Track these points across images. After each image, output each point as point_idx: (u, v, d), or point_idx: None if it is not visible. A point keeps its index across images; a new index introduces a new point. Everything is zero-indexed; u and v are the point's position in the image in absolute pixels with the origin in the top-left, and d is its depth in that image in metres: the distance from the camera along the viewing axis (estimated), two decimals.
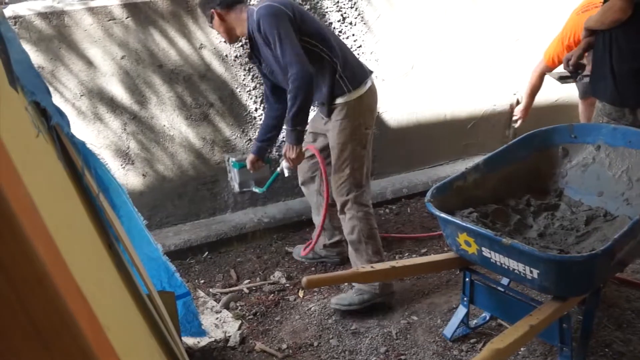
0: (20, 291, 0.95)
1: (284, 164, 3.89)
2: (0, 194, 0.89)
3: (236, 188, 4.47)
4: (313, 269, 4.31)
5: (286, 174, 3.96)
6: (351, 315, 3.72)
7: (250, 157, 4.15)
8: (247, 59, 4.45)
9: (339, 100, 3.71)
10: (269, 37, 3.50)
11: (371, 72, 3.88)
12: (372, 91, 3.83)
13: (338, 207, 3.89)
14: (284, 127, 3.73)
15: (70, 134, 2.12)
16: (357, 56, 4.01)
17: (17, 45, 1.95)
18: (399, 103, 5.41)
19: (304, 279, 2.92)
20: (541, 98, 5.93)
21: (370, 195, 3.93)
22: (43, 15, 4.01)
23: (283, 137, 4.48)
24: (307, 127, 3.97)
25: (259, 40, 3.60)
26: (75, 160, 2.08)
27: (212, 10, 3.71)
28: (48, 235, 1.02)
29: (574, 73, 4.17)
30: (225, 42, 4.42)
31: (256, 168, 4.20)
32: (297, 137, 3.63)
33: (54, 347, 0.99)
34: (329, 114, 3.74)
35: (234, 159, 4.39)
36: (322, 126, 3.88)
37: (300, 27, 3.57)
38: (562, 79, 4.47)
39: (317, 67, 3.61)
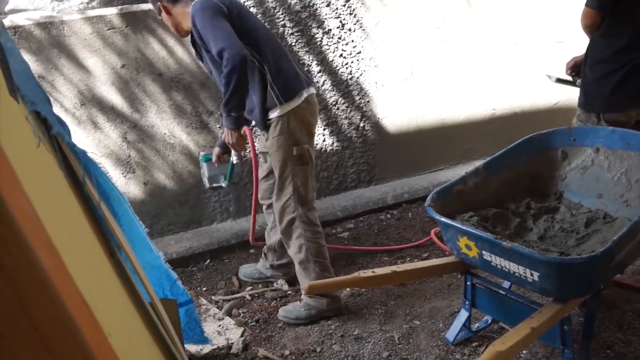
0: (23, 297, 0.96)
1: (232, 152, 3.81)
2: (2, 201, 0.90)
3: (206, 184, 4.20)
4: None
5: (234, 161, 3.85)
6: (353, 320, 3.73)
7: (215, 150, 3.98)
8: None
9: (272, 115, 3.58)
10: (200, 31, 3.39)
11: (310, 82, 3.74)
12: (308, 103, 3.67)
13: (282, 227, 3.76)
14: (220, 112, 3.61)
15: (71, 143, 2.13)
16: (303, 64, 3.86)
17: (17, 55, 1.97)
18: (399, 108, 5.43)
19: (306, 284, 2.94)
20: (540, 101, 5.96)
21: (317, 213, 3.85)
22: (42, 25, 4.03)
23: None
24: (257, 146, 3.96)
25: (196, 35, 3.48)
26: (77, 169, 2.10)
27: (159, 3, 3.62)
28: (50, 242, 1.03)
29: (574, 77, 4.23)
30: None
31: (223, 161, 3.99)
32: (233, 122, 3.50)
33: (57, 353, 0.99)
34: (265, 128, 3.64)
35: (203, 153, 4.15)
36: (265, 143, 3.78)
37: (234, 25, 3.42)
38: (560, 80, 4.49)
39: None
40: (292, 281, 4.20)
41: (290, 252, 3.83)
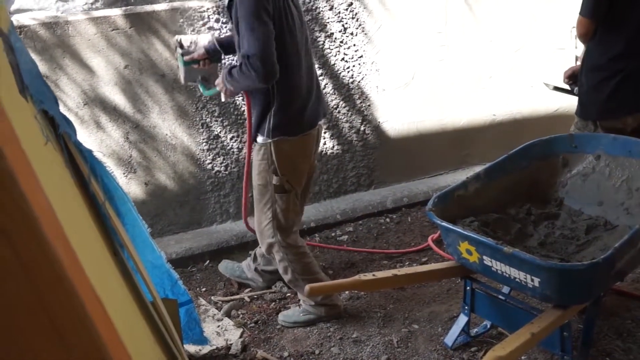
0: (41, 291, 0.97)
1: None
2: (23, 198, 0.92)
3: (181, 80, 3.92)
4: None
5: (223, 99, 3.74)
6: (352, 323, 3.74)
7: (200, 51, 3.70)
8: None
9: (259, 138, 3.49)
10: (238, 16, 3.18)
11: (314, 123, 3.58)
12: (299, 140, 3.52)
13: (264, 249, 3.74)
14: (224, 68, 3.50)
15: (78, 142, 2.14)
16: (318, 99, 3.61)
17: (25, 55, 1.98)
18: (400, 113, 5.44)
19: (307, 287, 2.95)
20: (541, 108, 5.97)
21: (297, 234, 3.78)
22: (47, 25, 4.04)
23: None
24: None
25: (233, 16, 3.28)
26: (82, 168, 2.11)
27: None
28: (66, 239, 1.05)
29: (571, 85, 4.25)
30: None
31: (204, 65, 3.74)
32: (229, 85, 3.39)
33: (72, 348, 1.01)
34: (252, 139, 3.56)
35: (181, 51, 3.78)
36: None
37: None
38: (557, 89, 4.50)
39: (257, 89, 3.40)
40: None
41: (280, 271, 3.81)
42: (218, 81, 3.50)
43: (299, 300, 3.91)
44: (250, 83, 3.27)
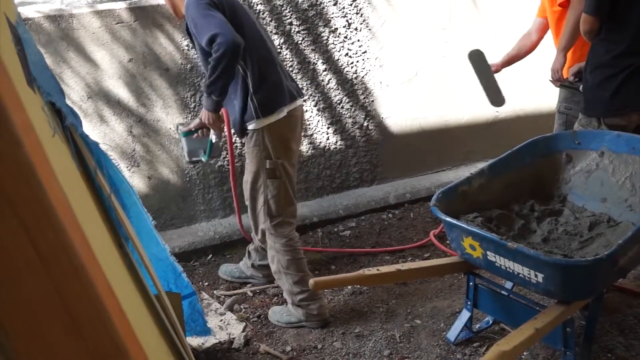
0: (58, 282, 0.97)
1: (211, 131, 3.73)
2: (42, 189, 0.92)
3: (186, 158, 4.07)
4: (317, 272, 4.33)
5: (213, 140, 3.80)
6: (355, 318, 3.75)
7: (195, 121, 3.83)
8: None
9: (249, 126, 3.56)
10: (193, 22, 3.33)
11: (295, 96, 3.68)
12: (290, 117, 3.62)
13: (259, 236, 3.86)
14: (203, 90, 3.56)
15: (84, 134, 2.14)
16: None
17: (32, 47, 1.98)
18: (403, 109, 5.44)
19: (312, 280, 2.96)
20: (543, 104, 5.96)
21: (293, 226, 3.79)
22: (52, 18, 4.04)
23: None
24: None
25: (189, 26, 3.42)
26: (89, 160, 2.11)
27: None
28: (81, 230, 1.05)
29: (576, 83, 4.25)
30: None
31: (202, 134, 3.84)
32: (212, 105, 3.46)
33: (88, 337, 1.01)
34: (241, 135, 3.64)
35: (182, 129, 4.00)
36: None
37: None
38: (563, 86, 4.50)
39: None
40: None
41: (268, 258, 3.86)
42: (201, 113, 3.59)
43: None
44: (226, 61, 3.25)
